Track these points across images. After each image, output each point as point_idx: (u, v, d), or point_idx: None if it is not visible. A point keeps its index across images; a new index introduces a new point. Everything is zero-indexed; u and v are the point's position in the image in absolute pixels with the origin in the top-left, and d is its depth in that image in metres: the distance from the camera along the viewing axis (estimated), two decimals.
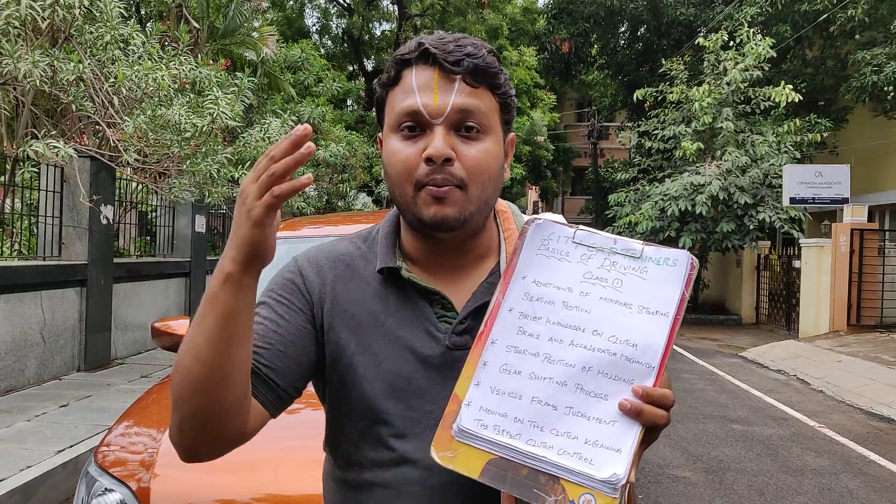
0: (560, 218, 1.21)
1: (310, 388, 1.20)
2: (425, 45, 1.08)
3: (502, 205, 1.24)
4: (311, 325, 1.14)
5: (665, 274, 1.02)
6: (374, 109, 1.19)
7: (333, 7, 27.45)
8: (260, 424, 1.09)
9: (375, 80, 1.17)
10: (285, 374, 1.10)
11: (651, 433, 0.99)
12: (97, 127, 7.75)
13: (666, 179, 16.70)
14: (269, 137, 8.73)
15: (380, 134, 1.17)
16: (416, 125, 1.07)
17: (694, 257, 1.03)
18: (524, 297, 1.03)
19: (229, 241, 0.96)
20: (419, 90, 1.07)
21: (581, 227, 1.07)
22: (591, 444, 0.96)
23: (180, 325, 3.37)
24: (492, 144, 1.10)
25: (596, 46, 24.37)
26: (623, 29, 23.63)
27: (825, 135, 16.31)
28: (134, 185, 10.07)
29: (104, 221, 8.44)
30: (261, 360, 1.08)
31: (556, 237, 1.06)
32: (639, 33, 23.14)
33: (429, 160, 1.05)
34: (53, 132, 7.52)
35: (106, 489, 2.31)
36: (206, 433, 1.01)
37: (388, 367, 1.11)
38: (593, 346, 0.99)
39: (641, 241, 1.04)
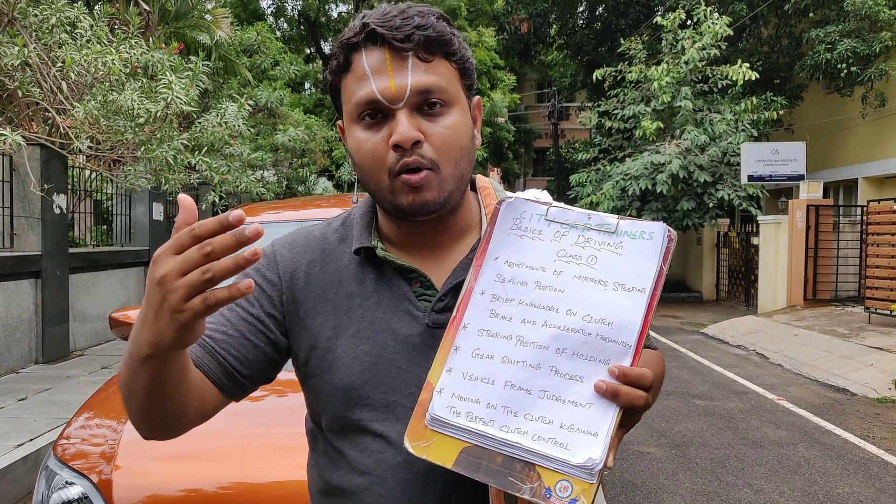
0: (545, 194, 1.18)
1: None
2: (370, 24, 1.02)
3: (483, 181, 1.21)
4: (280, 314, 1.13)
5: (641, 248, 0.97)
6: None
7: None
8: (218, 407, 1.10)
9: (326, 68, 1.13)
10: (251, 364, 1.10)
11: (630, 416, 0.95)
12: (46, 113, 7.54)
13: (626, 159, 16.82)
14: (225, 122, 8.56)
15: (339, 122, 1.13)
16: (377, 112, 1.03)
17: (671, 229, 0.98)
18: (496, 278, 1.00)
19: (142, 322, 0.84)
20: (373, 76, 1.02)
21: (554, 203, 1.03)
22: (566, 428, 0.92)
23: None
24: (458, 116, 1.06)
25: (555, 26, 24.37)
26: (581, 8, 23.66)
27: (781, 112, 16.54)
28: (88, 172, 9.84)
29: (57, 211, 8.23)
30: (227, 350, 1.08)
31: (529, 215, 1.02)
32: (597, 13, 23.19)
33: (396, 146, 1.01)
34: (0, 120, 7.29)
35: (66, 482, 2.26)
36: (159, 427, 1.03)
37: (366, 349, 1.07)
38: (567, 327, 0.95)
39: (617, 216, 1.00)
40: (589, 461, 0.90)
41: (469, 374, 0.96)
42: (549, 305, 0.97)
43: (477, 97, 1.15)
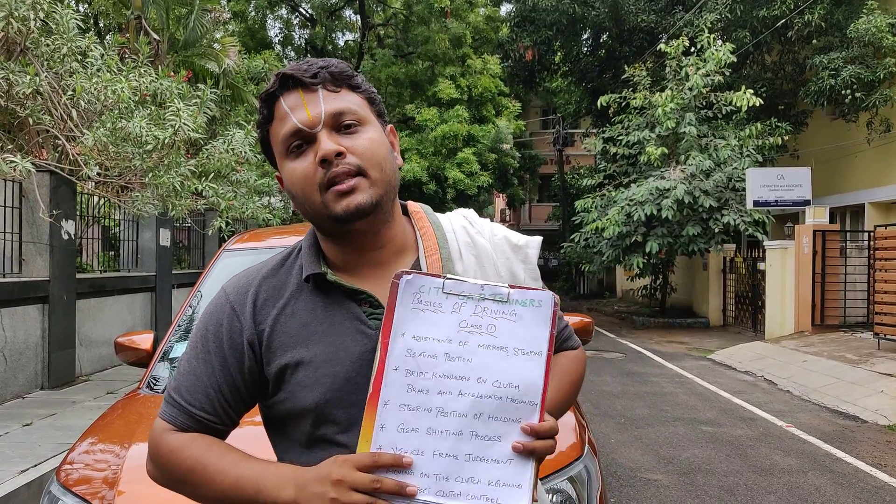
0: (471, 213, 1.33)
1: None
2: (282, 72, 1.18)
3: (415, 206, 1.33)
4: (251, 359, 1.21)
5: (533, 315, 1.08)
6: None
7: (296, 18, 27.38)
8: None
9: (255, 126, 1.25)
10: (234, 411, 1.24)
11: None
12: (56, 141, 7.62)
13: (632, 185, 16.82)
14: (232, 149, 8.63)
15: (277, 174, 1.25)
16: (302, 141, 1.16)
17: (556, 295, 1.10)
18: (407, 353, 1.07)
19: (294, 485, 1.07)
20: (292, 111, 1.16)
21: (448, 276, 1.11)
22: (493, 484, 1.04)
23: (144, 340, 3.29)
24: (373, 132, 1.19)
25: (559, 54, 24.53)
26: (585, 36, 23.83)
27: (786, 138, 16.56)
28: (96, 199, 9.90)
29: (65, 237, 8.28)
30: (208, 415, 1.21)
31: (427, 289, 1.09)
32: (601, 40, 23.35)
33: (323, 161, 1.13)
34: (11, 147, 7.37)
35: None
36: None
37: (325, 371, 1.16)
38: (480, 394, 1.06)
39: (507, 285, 1.10)
40: None
41: (399, 448, 1.04)
42: (461, 375, 1.06)
43: (390, 125, 1.28)
